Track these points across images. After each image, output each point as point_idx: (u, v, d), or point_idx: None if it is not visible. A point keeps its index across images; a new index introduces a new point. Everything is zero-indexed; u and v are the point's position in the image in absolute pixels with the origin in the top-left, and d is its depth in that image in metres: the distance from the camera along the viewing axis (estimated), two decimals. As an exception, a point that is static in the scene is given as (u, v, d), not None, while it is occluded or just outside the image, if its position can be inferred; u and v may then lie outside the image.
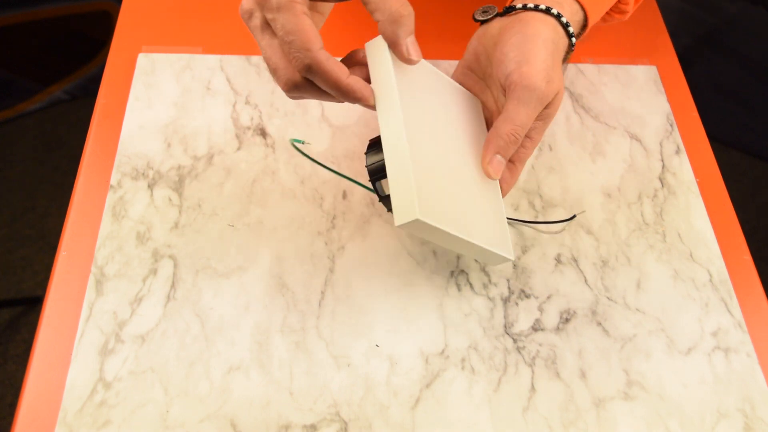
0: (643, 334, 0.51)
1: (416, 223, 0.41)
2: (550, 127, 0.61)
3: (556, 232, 0.55)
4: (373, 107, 0.43)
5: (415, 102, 0.45)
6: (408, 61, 0.43)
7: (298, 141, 0.56)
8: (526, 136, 0.48)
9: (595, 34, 0.70)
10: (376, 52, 0.44)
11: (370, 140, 0.47)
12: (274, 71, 0.42)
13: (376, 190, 0.47)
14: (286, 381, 0.47)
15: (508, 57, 0.47)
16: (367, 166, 0.46)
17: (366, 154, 0.47)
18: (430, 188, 0.42)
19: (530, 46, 0.46)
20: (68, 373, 0.47)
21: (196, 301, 0.50)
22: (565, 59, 0.50)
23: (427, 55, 0.66)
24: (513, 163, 0.49)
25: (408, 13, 0.41)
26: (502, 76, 0.47)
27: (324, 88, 0.42)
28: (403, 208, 0.41)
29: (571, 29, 0.48)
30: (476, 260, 0.53)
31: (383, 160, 0.43)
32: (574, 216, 0.56)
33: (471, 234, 0.45)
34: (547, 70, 0.46)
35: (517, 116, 0.46)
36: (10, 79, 1.66)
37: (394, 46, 0.42)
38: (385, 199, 0.48)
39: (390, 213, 0.52)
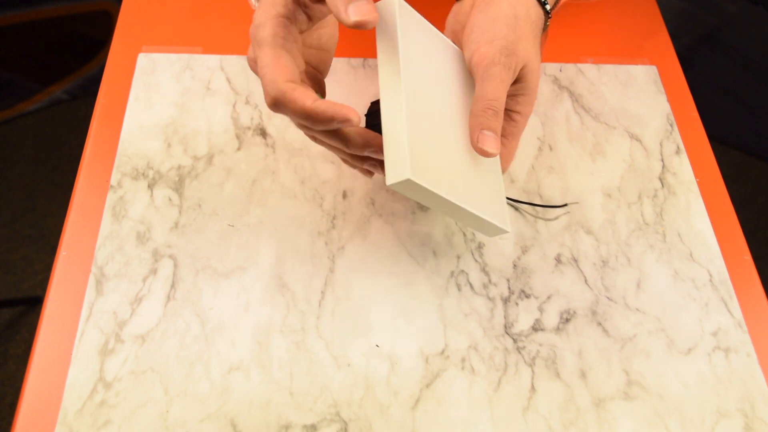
0: (643, 334, 0.51)
1: (408, 184, 0.40)
2: (550, 127, 0.61)
3: (549, 219, 0.55)
4: (350, 123, 0.40)
5: (420, 66, 0.44)
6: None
7: None
8: (513, 110, 0.48)
9: (595, 34, 0.70)
10: (386, 11, 0.43)
11: (372, 103, 0.48)
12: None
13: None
14: (286, 381, 0.47)
15: (470, 39, 0.48)
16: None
17: (366, 115, 0.48)
18: (425, 151, 0.41)
19: (490, 25, 0.47)
20: (68, 373, 0.47)
21: (196, 301, 0.50)
22: (545, 29, 0.51)
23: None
24: (505, 137, 0.49)
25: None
26: (467, 59, 0.48)
27: (294, 119, 0.41)
28: (396, 168, 0.39)
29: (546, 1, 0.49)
30: (472, 230, 0.53)
31: (380, 125, 0.43)
32: (566, 204, 0.57)
33: (466, 201, 0.44)
34: (508, 45, 0.46)
35: (485, 92, 0.46)
36: (10, 79, 1.66)
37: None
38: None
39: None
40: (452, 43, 0.49)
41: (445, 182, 0.43)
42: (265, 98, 0.40)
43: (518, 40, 0.47)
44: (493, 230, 0.48)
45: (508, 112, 0.49)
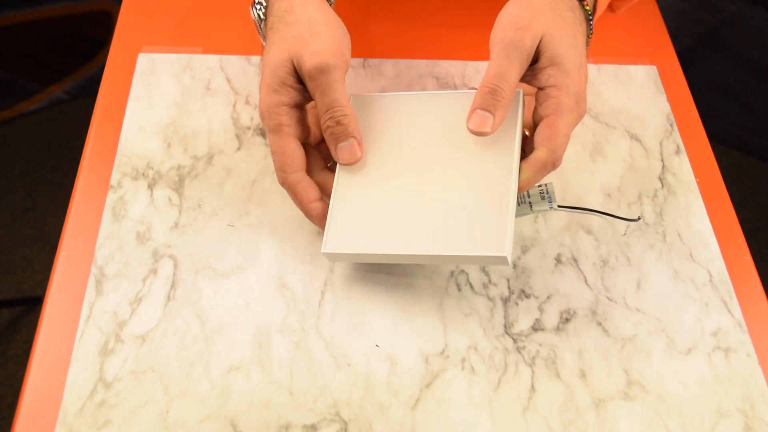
0: (643, 334, 0.51)
1: (330, 256, 0.48)
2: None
3: (622, 233, 0.55)
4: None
5: (375, 146, 0.50)
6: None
7: None
8: (546, 86, 0.46)
9: (595, 34, 0.70)
10: None
11: None
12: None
13: None
14: (286, 381, 0.47)
15: (491, 33, 0.48)
16: None
17: None
18: (354, 222, 0.48)
19: (505, 13, 0.48)
20: (68, 373, 0.47)
21: (196, 301, 0.50)
22: (591, 16, 0.50)
23: (428, 55, 0.66)
24: (547, 117, 0.46)
25: (334, 125, 0.47)
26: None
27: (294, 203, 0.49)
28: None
29: None
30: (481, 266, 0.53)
31: None
32: (639, 218, 0.56)
33: (421, 247, 0.46)
34: (517, 21, 0.46)
35: (490, 70, 0.45)
36: (10, 79, 1.66)
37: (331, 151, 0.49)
38: None
39: None
40: (433, 94, 0.52)
41: (381, 239, 0.47)
42: (277, 176, 0.48)
43: (532, 17, 0.46)
44: (488, 261, 0.46)
45: (545, 90, 0.46)
